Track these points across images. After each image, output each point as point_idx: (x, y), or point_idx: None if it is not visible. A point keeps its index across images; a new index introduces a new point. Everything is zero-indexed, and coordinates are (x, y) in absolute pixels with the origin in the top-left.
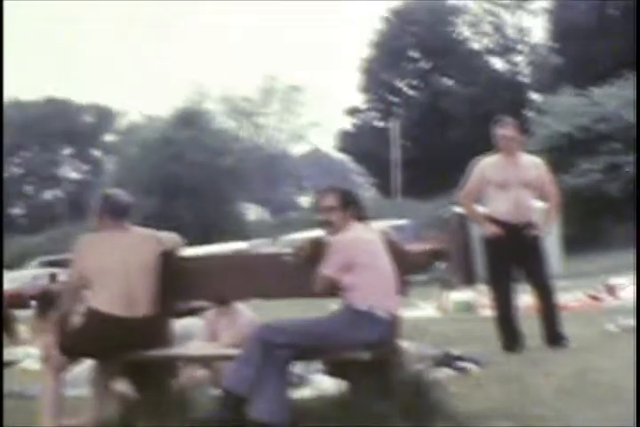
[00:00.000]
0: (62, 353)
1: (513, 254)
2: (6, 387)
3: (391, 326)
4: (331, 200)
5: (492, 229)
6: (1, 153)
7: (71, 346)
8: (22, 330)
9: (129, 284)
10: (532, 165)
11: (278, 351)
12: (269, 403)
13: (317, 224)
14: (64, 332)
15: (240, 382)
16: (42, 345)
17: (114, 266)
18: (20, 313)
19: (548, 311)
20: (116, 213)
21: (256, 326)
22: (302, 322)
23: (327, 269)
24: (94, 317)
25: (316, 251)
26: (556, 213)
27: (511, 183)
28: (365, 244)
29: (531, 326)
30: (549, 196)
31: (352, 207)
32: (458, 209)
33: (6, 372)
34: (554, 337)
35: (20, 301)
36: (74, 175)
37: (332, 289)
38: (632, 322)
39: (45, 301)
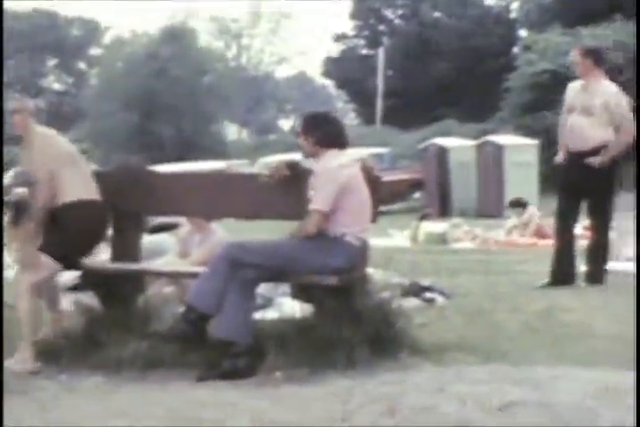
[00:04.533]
0: (58, 258)
1: (576, 185)
2: None
3: (360, 252)
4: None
5: (558, 157)
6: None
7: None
8: None
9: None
10: (602, 92)
11: (243, 270)
12: (231, 321)
13: (297, 147)
14: (54, 234)
15: (203, 298)
16: (22, 254)
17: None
18: None
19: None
20: None
21: (223, 245)
22: (270, 243)
23: (323, 205)
24: (88, 205)
25: (291, 173)
26: (620, 146)
27: (574, 108)
28: (350, 170)
29: (507, 262)
30: (620, 127)
31: (328, 133)
32: (437, 140)
33: None
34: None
35: None
36: (57, 86)
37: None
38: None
39: (19, 208)
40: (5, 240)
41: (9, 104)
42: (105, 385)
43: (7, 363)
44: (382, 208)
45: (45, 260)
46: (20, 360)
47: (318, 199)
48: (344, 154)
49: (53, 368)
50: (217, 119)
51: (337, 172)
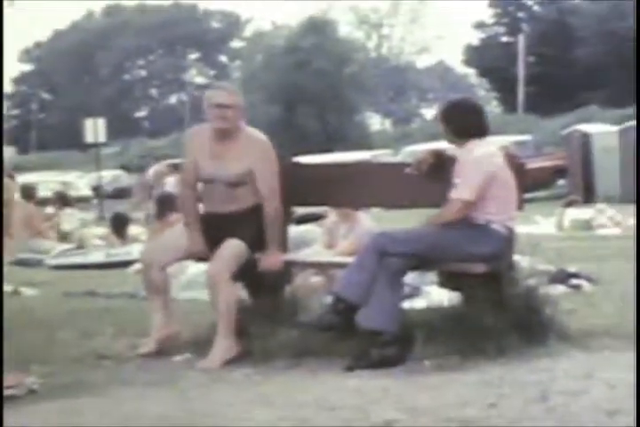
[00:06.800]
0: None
1: None
2: (118, 288)
3: (507, 240)
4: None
5: None
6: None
7: None
8: (136, 230)
9: None
10: None
11: (391, 260)
12: (379, 311)
13: (440, 136)
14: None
15: (351, 288)
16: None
17: None
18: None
19: None
20: None
21: (371, 235)
22: (417, 232)
23: (467, 194)
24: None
25: (437, 162)
26: None
27: None
28: (497, 160)
29: None
30: None
31: (467, 122)
32: (580, 127)
33: (119, 272)
34: None
35: None
36: (199, 80)
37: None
38: None
39: (164, 203)
40: (149, 235)
41: (218, 97)
42: (254, 375)
43: (208, 360)
44: (527, 195)
45: (239, 246)
46: (222, 351)
47: (462, 188)
48: (487, 142)
49: (202, 359)
50: (360, 110)
51: (483, 161)
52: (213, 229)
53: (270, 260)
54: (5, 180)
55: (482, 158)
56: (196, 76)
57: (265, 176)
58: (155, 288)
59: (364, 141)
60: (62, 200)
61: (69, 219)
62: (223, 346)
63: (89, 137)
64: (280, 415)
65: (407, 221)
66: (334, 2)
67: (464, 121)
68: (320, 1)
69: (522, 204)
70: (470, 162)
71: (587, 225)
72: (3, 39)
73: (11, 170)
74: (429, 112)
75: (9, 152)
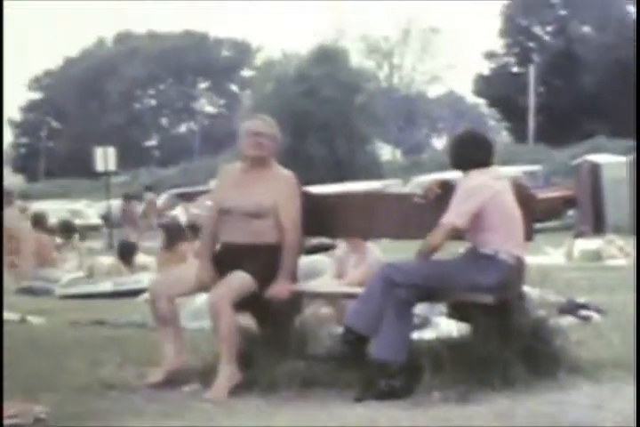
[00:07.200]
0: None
1: None
2: (126, 317)
3: (515, 270)
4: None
5: None
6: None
7: None
8: (146, 260)
9: None
10: None
11: (399, 291)
12: (387, 342)
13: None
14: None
15: (361, 319)
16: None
17: None
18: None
19: None
20: None
21: (380, 266)
22: (425, 263)
23: (453, 219)
24: None
25: (444, 192)
26: None
27: None
28: (493, 189)
29: None
30: None
31: (468, 155)
32: (590, 157)
33: (127, 301)
34: None
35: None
36: (209, 109)
37: (452, 237)
38: None
39: (172, 233)
40: (157, 264)
41: (256, 126)
42: (262, 405)
43: (214, 390)
44: (537, 226)
45: (244, 278)
46: (226, 378)
47: (449, 214)
48: (487, 172)
49: (209, 389)
50: (370, 139)
51: (476, 190)
52: (225, 260)
53: (278, 288)
54: (19, 202)
55: (474, 186)
56: (206, 106)
57: (289, 211)
58: (163, 319)
59: (375, 171)
60: (66, 229)
61: (74, 251)
62: (227, 373)
63: (99, 166)
64: None
65: (413, 251)
66: (345, 30)
67: (461, 154)
68: (330, 29)
69: (531, 234)
70: (462, 190)
71: (596, 256)
72: (3, 40)
73: (19, 197)
74: (440, 142)
75: (17, 180)
